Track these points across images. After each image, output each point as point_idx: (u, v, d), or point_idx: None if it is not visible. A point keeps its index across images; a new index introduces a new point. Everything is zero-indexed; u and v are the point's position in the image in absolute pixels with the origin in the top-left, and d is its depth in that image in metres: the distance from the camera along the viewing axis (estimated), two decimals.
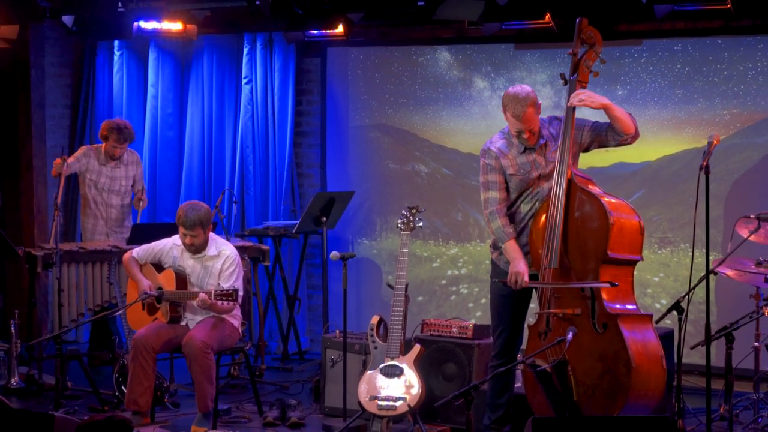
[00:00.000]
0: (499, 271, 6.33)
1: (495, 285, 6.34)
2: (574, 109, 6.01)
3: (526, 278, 6.05)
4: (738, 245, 6.49)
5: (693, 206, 5.87)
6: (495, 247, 6.31)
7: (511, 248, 6.12)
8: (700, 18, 7.99)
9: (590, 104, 5.98)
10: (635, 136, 6.08)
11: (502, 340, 6.32)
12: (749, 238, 6.55)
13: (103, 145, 8.48)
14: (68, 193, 9.64)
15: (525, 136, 6.09)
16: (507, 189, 6.20)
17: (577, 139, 6.10)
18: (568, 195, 5.97)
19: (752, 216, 6.64)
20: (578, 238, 5.97)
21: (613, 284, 5.82)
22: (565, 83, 6.13)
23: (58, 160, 8.01)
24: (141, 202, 8.61)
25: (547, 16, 8.13)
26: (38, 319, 8.56)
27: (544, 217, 6.06)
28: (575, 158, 6.16)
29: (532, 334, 6.13)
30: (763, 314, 6.53)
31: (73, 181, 9.39)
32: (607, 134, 6.10)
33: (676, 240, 8.21)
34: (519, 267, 6.06)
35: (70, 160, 8.26)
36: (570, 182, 5.98)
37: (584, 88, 6.09)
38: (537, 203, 6.17)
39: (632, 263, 6.01)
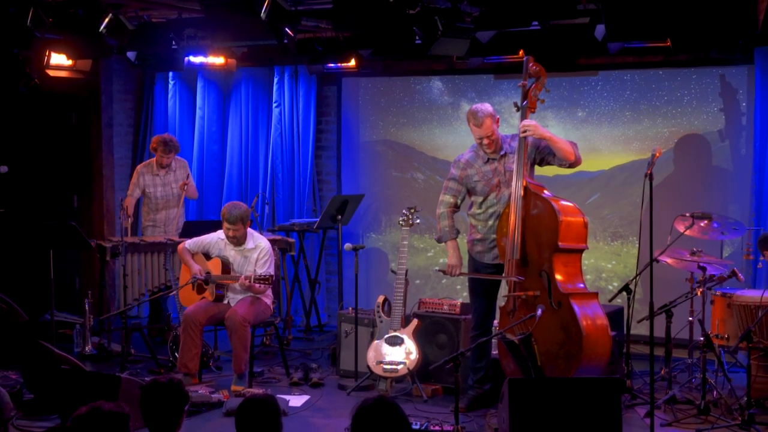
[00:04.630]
0: (474, 263, 6.43)
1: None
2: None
3: (458, 270, 6.38)
4: (676, 238, 6.51)
5: (639, 206, 5.89)
6: (473, 242, 6.41)
7: (451, 247, 6.41)
8: (645, 54, 7.98)
9: (533, 134, 6.06)
10: (575, 163, 6.15)
11: (476, 315, 6.44)
12: (685, 233, 6.56)
13: (155, 156, 8.51)
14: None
15: (485, 142, 6.17)
16: (461, 198, 6.40)
17: (530, 156, 6.18)
18: (525, 199, 6.02)
19: (687, 214, 6.66)
20: (534, 234, 6.03)
21: (519, 279, 5.99)
22: (518, 110, 6.21)
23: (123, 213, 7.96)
24: (188, 187, 8.53)
25: (521, 52, 8.07)
26: (107, 298, 8.56)
27: (507, 218, 6.11)
28: (531, 169, 6.23)
29: (503, 314, 6.22)
30: (696, 294, 6.55)
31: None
32: (552, 157, 6.18)
33: (625, 234, 8.20)
34: (453, 261, 6.40)
35: (129, 193, 8.42)
36: (526, 189, 6.04)
37: (533, 113, 6.16)
38: (500, 206, 6.22)
39: (579, 251, 6.10)
